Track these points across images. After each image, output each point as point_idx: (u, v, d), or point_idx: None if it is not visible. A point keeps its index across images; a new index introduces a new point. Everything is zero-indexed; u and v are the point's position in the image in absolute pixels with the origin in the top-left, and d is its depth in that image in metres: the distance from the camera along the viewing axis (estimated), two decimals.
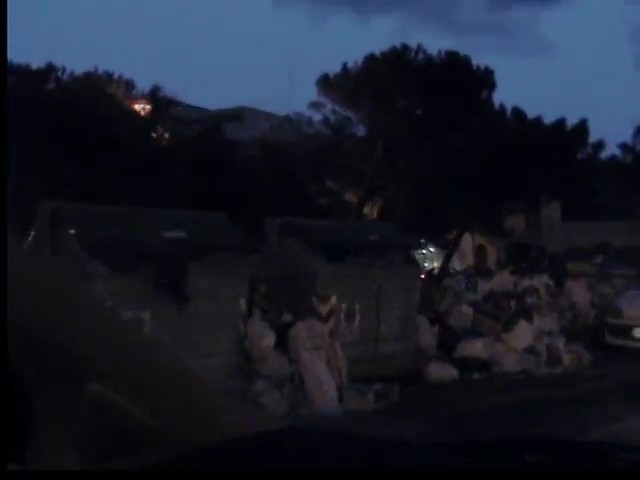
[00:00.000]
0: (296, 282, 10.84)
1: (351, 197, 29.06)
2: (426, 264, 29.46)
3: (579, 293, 16.33)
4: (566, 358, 13.73)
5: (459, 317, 13.09)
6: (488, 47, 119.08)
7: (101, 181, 17.03)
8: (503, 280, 14.89)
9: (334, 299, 10.85)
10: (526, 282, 15.15)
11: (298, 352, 10.15)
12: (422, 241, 27.55)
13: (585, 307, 16.12)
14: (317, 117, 28.09)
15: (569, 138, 23.51)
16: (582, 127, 24.03)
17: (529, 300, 14.79)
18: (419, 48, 27.41)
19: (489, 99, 26.96)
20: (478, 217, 27.55)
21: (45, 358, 1.03)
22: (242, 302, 9.95)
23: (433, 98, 26.17)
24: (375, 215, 29.98)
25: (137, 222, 9.30)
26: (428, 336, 12.48)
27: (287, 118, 30.00)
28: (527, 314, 14.04)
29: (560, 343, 13.96)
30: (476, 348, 12.72)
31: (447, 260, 26.41)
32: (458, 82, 26.32)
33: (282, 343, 10.30)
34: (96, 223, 9.12)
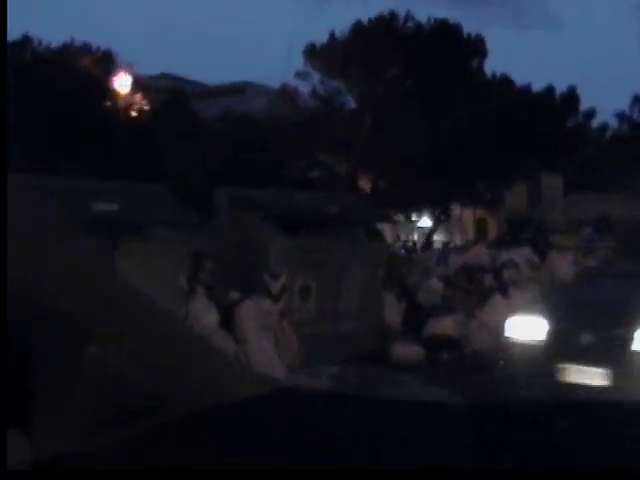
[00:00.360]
0: (246, 257, 10.08)
1: (341, 170, 28.23)
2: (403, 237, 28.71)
3: (563, 266, 15.51)
4: None
5: (428, 292, 12.32)
6: (493, 19, 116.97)
7: (52, 153, 16.32)
8: (478, 253, 14.08)
9: (286, 275, 10.08)
10: (505, 255, 14.33)
11: (244, 332, 9.41)
12: (405, 214, 26.77)
13: (566, 281, 15.30)
14: (305, 88, 27.25)
15: (559, 106, 22.55)
16: (571, 95, 23.04)
17: (507, 274, 13.99)
18: (407, 16, 26.42)
19: (480, 67, 26.00)
20: (464, 190, 26.71)
21: (45, 322, 1.01)
22: (182, 279, 9.20)
23: (422, 67, 25.27)
24: (368, 189, 29.19)
25: (63, 195, 8.53)
26: (393, 313, 11.73)
27: (280, 91, 29.12)
28: (503, 289, 13.25)
29: None
30: (446, 325, 11.96)
31: (430, 234, 25.60)
32: (448, 50, 25.41)
33: (228, 322, 9.57)
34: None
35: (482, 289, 12.73)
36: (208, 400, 1.09)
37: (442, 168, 24.57)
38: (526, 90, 23.41)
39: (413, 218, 34.94)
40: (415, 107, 24.98)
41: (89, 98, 21.47)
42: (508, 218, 54.31)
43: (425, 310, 12.13)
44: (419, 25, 26.17)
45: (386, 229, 31.84)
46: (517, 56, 78.27)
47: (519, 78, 24.54)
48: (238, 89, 37.69)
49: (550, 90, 23.25)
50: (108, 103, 23.18)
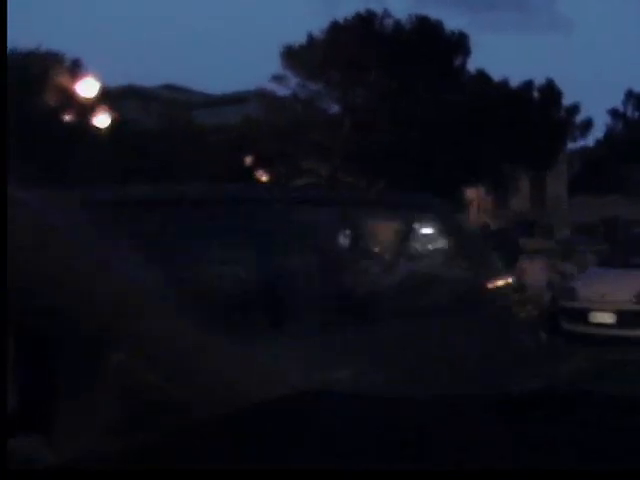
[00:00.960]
0: None
1: (325, 175, 26.96)
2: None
3: (533, 273, 14.05)
4: None
5: None
6: (504, 23, 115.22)
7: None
8: None
9: None
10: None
11: None
12: None
13: (539, 289, 13.83)
14: (282, 91, 25.97)
15: (540, 101, 21.10)
16: (550, 89, 21.55)
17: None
18: (385, 14, 25.05)
19: (463, 65, 24.58)
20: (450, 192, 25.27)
21: (62, 327, 1.00)
22: None
23: (403, 67, 23.94)
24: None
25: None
26: None
27: (258, 95, 27.80)
28: None
29: None
30: None
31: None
32: (429, 49, 24.08)
33: None
34: None
35: None
36: (231, 403, 1.05)
37: (427, 171, 23.18)
38: (504, 85, 22.00)
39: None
40: (397, 109, 23.59)
41: (45, 102, 20.33)
42: (513, 222, 52.88)
43: None
44: (398, 23, 24.85)
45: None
46: (522, 59, 76.70)
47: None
48: (240, 98, 36.74)
49: (528, 84, 21.80)
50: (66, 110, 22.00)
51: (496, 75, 23.37)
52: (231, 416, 1.05)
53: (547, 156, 22.54)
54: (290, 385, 1.23)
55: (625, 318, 12.22)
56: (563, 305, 13.10)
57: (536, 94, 21.82)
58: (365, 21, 24.78)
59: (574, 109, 22.60)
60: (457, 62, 24.29)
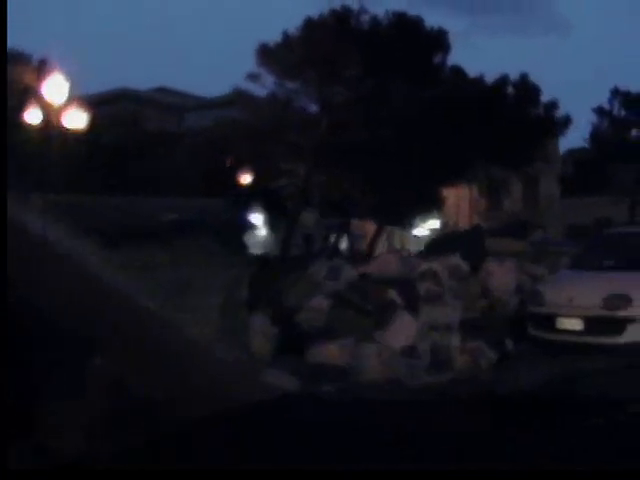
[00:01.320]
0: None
1: (302, 177, 26.08)
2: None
3: (500, 276, 13.17)
4: (459, 360, 10.67)
5: (312, 313, 10.04)
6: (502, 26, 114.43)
7: None
8: (384, 263, 11.74)
9: None
10: (424, 265, 12.00)
11: None
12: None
13: (505, 293, 12.95)
14: (258, 91, 25.00)
15: (515, 97, 20.20)
16: (524, 84, 20.64)
17: (423, 287, 11.68)
18: (361, 10, 24.14)
19: (443, 63, 23.69)
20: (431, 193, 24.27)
21: (48, 336, 1.01)
22: None
23: (379, 64, 23.03)
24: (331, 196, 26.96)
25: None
26: (262, 339, 9.46)
27: (234, 94, 26.80)
28: (412, 304, 10.98)
29: (455, 341, 10.88)
30: (330, 352, 9.70)
31: (337, 241, 23.33)
32: (406, 46, 23.17)
33: None
34: None
35: (383, 306, 10.43)
36: (210, 406, 1.06)
37: (404, 170, 22.30)
38: (479, 81, 21.13)
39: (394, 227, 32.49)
40: (373, 107, 22.67)
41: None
42: (506, 222, 51.92)
43: (307, 334, 9.86)
44: (375, 19, 24.01)
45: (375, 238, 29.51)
46: (519, 61, 75.73)
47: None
48: (232, 100, 36.24)
49: (503, 80, 20.91)
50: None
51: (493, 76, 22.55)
52: (206, 420, 1.06)
53: (524, 154, 21.53)
54: (271, 388, 1.35)
55: (593, 324, 11.34)
56: (530, 310, 12.23)
57: (511, 90, 20.93)
58: (340, 18, 23.93)
59: (552, 105, 21.65)
60: (436, 59, 23.45)
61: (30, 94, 21.59)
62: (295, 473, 0.93)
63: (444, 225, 52.06)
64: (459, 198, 53.43)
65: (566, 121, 21.64)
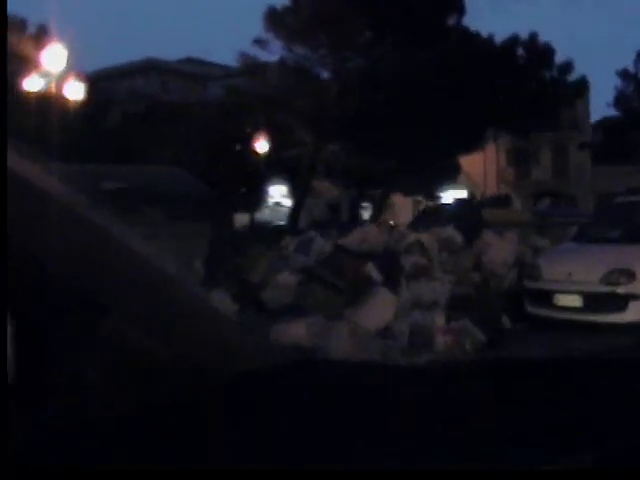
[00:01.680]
0: None
1: (311, 146, 25.11)
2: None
3: (498, 249, 12.16)
4: (441, 341, 9.73)
5: (278, 289, 9.17)
6: None
7: None
8: (365, 235, 10.78)
9: None
10: (410, 237, 11.05)
11: None
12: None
13: (502, 266, 11.95)
14: (264, 56, 24.07)
15: (526, 59, 18.88)
16: (533, 45, 19.28)
17: (409, 261, 10.75)
18: None
19: (458, 24, 22.40)
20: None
21: (58, 294, 0.99)
22: None
23: (390, 27, 21.94)
24: (341, 166, 25.97)
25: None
26: None
27: (240, 60, 25.87)
28: (394, 281, 10.06)
29: (438, 319, 9.94)
30: (296, 331, 8.83)
31: (353, 208, 22.32)
32: (419, 7, 22.01)
33: None
34: None
35: (357, 282, 9.53)
36: (224, 369, 1.05)
37: (421, 137, 21.23)
38: (488, 43, 19.86)
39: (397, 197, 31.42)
40: (380, 72, 21.56)
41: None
42: (534, 193, 50.43)
43: (272, 312, 9.01)
44: None
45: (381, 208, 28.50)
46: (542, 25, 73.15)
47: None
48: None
49: (513, 40, 19.56)
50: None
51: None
52: (232, 383, 1.02)
53: (535, 118, 20.24)
54: (278, 353, 1.26)
55: (592, 301, 10.32)
56: (526, 285, 11.22)
57: (523, 52, 19.62)
58: None
59: (566, 67, 20.22)
60: (450, 21, 22.17)
61: (28, 62, 20.88)
62: (295, 473, 0.90)
63: (471, 195, 50.95)
64: (486, 167, 52.18)
65: (581, 84, 20.24)
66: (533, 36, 19.73)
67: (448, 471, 0.91)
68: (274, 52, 23.75)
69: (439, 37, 21.76)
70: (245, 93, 24.14)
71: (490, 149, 51.70)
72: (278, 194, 40.69)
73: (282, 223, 28.52)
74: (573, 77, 20.20)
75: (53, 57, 21.16)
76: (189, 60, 54.68)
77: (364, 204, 32.21)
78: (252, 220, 32.84)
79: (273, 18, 23.38)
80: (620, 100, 28.94)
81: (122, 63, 50.53)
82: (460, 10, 22.26)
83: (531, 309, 11.05)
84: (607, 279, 10.25)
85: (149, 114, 32.90)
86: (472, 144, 24.50)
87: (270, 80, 24.14)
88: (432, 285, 10.61)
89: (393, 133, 21.51)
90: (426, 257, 10.92)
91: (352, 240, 10.46)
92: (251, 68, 24.12)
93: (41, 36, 21.93)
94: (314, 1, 23.17)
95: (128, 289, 1.06)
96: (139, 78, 51.27)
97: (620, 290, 10.15)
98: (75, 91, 21.96)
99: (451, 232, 11.91)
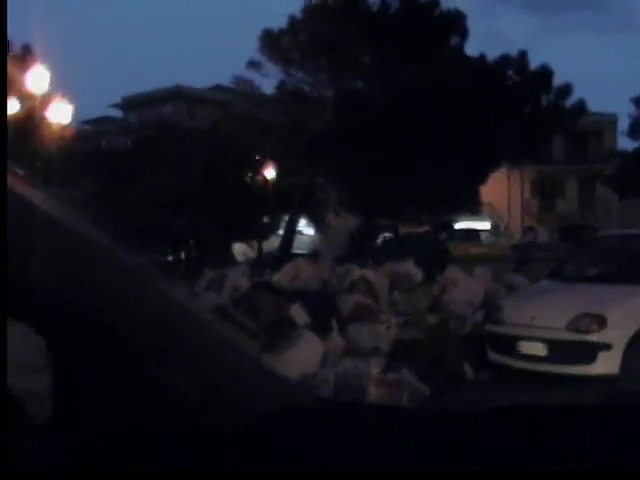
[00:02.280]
0: None
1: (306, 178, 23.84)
2: None
3: (463, 287, 10.73)
4: (374, 393, 8.31)
5: None
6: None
7: None
8: (297, 271, 9.42)
9: None
10: (355, 273, 9.68)
11: None
12: None
13: (466, 308, 10.51)
14: (258, 79, 22.96)
15: (520, 82, 17.43)
16: (522, 63, 17.85)
17: (353, 300, 9.39)
18: None
19: (460, 46, 21.06)
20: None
21: (94, 340, 0.98)
22: None
23: (389, 49, 20.73)
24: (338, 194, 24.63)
25: None
26: None
27: (236, 84, 24.80)
28: (325, 322, 8.71)
29: (374, 368, 8.53)
30: None
31: (361, 241, 20.92)
32: (420, 30, 20.78)
33: None
34: None
35: (276, 324, 8.20)
36: (253, 412, 1.03)
37: (429, 170, 19.89)
38: (480, 62, 18.46)
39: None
40: (392, 98, 20.27)
41: None
42: (560, 226, 48.52)
43: None
44: (385, 2, 21.58)
45: None
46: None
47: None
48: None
49: (504, 59, 18.13)
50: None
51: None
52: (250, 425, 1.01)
53: (529, 145, 18.69)
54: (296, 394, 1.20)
55: (557, 350, 8.83)
56: (489, 330, 9.76)
57: (515, 73, 18.19)
58: (348, 1, 21.64)
59: (565, 90, 18.64)
60: (453, 42, 20.84)
61: (11, 83, 20.06)
62: (295, 473, 0.91)
63: (494, 226, 49.18)
64: (510, 198, 50.43)
65: (580, 108, 18.68)
66: (522, 53, 18.31)
67: (448, 471, 0.92)
68: (269, 75, 22.69)
69: (442, 60, 20.47)
70: (239, 118, 23.05)
71: (514, 179, 50.17)
72: (302, 223, 39.73)
73: (302, 252, 27.29)
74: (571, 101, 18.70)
75: (36, 79, 20.33)
76: (218, 87, 54.29)
77: (386, 234, 30.81)
78: (260, 249, 31.68)
79: (269, 41, 22.34)
80: (636, 129, 27.24)
81: (151, 90, 50.36)
82: (462, 31, 20.93)
83: (493, 357, 9.59)
84: (575, 325, 8.77)
85: (158, 139, 32.17)
86: (481, 173, 23.02)
87: (267, 104, 23.05)
88: (375, 329, 9.22)
89: (396, 162, 20.23)
90: (372, 296, 9.53)
91: (282, 276, 9.13)
92: (246, 91, 23.08)
93: (25, 57, 21.14)
94: (312, 23, 22.10)
95: (164, 333, 1.00)
96: (167, 105, 50.95)
97: (589, 338, 8.65)
98: (60, 113, 21.08)
99: (409, 267, 10.51)
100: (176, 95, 51.86)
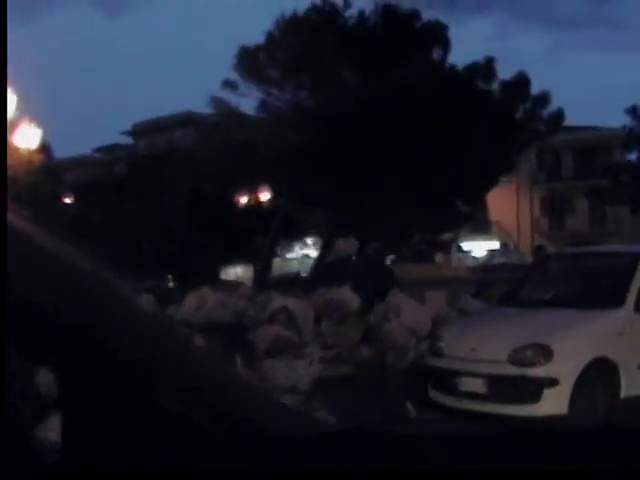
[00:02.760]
0: None
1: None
2: None
3: (407, 314, 9.52)
4: None
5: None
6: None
7: None
8: (201, 302, 8.27)
9: None
10: (276, 302, 8.52)
11: None
12: None
13: (409, 338, 9.30)
14: (234, 99, 21.91)
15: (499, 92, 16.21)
16: (489, 68, 16.63)
17: (271, 332, 8.24)
18: (346, 5, 20.74)
19: (443, 60, 19.92)
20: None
21: (107, 370, 0.99)
22: None
23: (371, 63, 19.67)
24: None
25: None
26: None
27: (213, 104, 23.69)
28: (231, 359, 7.55)
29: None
30: None
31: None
32: (399, 43, 19.71)
33: None
34: None
35: None
36: (266, 441, 1.03)
37: (417, 188, 18.74)
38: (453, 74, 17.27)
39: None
40: (376, 114, 19.12)
41: None
42: (571, 244, 46.89)
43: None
44: (362, 15, 20.56)
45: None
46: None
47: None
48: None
49: (473, 67, 16.89)
50: None
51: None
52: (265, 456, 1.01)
53: (501, 160, 17.29)
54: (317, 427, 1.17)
55: (497, 387, 7.59)
56: (428, 363, 8.54)
57: (482, 80, 16.94)
58: (323, 14, 20.68)
59: (543, 99, 17.22)
60: (435, 55, 19.72)
61: None
62: (295, 473, 0.93)
63: (503, 246, 47.63)
64: (519, 216, 48.93)
65: (558, 118, 17.36)
66: (489, 60, 17.11)
67: (448, 471, 0.92)
68: (246, 94, 21.66)
69: (422, 71, 19.31)
70: (219, 140, 22.05)
71: (523, 197, 48.77)
72: (311, 245, 38.78)
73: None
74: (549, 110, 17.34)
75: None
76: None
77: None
78: (256, 271, 30.64)
79: (245, 59, 21.36)
80: (632, 140, 25.85)
81: (162, 116, 49.89)
82: (444, 43, 19.78)
83: (433, 395, 8.34)
84: (517, 357, 7.54)
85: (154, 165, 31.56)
86: (476, 191, 21.69)
87: (246, 125, 22.02)
88: (293, 364, 8.04)
89: (379, 181, 19.10)
90: (293, 327, 8.37)
91: (185, 308, 8.00)
92: (225, 113, 22.06)
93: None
94: (290, 39, 21.07)
95: (174, 364, 1.02)
96: (178, 131, 50.33)
97: (532, 373, 7.41)
98: (28, 139, 20.23)
99: (345, 294, 9.33)
100: (187, 121, 51.31)
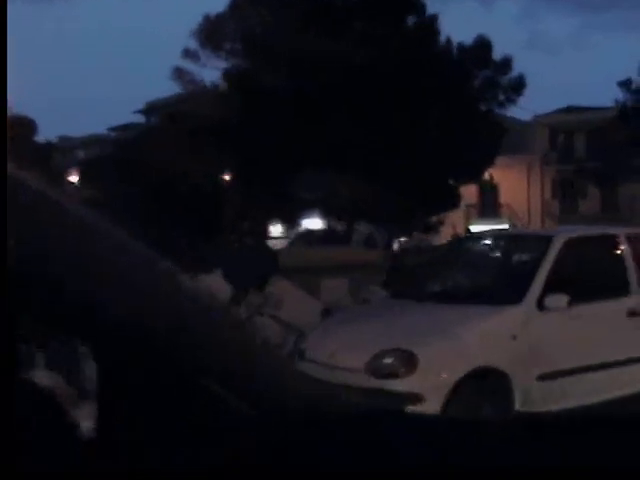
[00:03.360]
0: None
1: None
2: None
3: (290, 305, 7.96)
4: None
5: None
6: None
7: None
8: None
9: None
10: None
11: None
12: None
13: (283, 334, 7.73)
14: (194, 69, 20.35)
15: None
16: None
17: None
18: None
19: (421, 24, 18.03)
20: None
21: (151, 354, 0.93)
22: None
23: (343, 33, 18.00)
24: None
25: None
26: None
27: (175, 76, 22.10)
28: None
29: (83, 420, 5.79)
30: None
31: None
32: (374, 11, 18.00)
33: None
34: None
35: None
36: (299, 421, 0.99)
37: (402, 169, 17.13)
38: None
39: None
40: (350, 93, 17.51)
41: None
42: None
43: None
44: None
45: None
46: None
47: None
48: None
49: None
50: None
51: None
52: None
53: (462, 129, 15.49)
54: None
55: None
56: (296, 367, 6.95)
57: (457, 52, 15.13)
58: None
59: (505, 65, 15.32)
60: (409, 22, 17.89)
61: None
62: (295, 473, 0.88)
63: (513, 229, 45.61)
64: (530, 199, 46.83)
65: (518, 84, 15.45)
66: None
67: (448, 471, 0.91)
68: (207, 65, 20.10)
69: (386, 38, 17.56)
70: (184, 118, 20.54)
71: (534, 180, 46.63)
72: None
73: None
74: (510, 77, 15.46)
75: None
76: None
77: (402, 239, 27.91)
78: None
79: (208, 28, 19.75)
80: (623, 114, 23.82)
81: (174, 94, 48.54)
82: (420, 10, 17.89)
83: None
84: (374, 366, 5.94)
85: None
86: (465, 174, 19.95)
87: (213, 101, 20.48)
88: None
89: (361, 158, 17.49)
90: None
91: None
92: (189, 86, 20.56)
93: None
94: (256, 6, 19.43)
95: (213, 347, 0.97)
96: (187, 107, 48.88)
97: (391, 386, 5.79)
98: None
99: (215, 281, 7.78)
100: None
